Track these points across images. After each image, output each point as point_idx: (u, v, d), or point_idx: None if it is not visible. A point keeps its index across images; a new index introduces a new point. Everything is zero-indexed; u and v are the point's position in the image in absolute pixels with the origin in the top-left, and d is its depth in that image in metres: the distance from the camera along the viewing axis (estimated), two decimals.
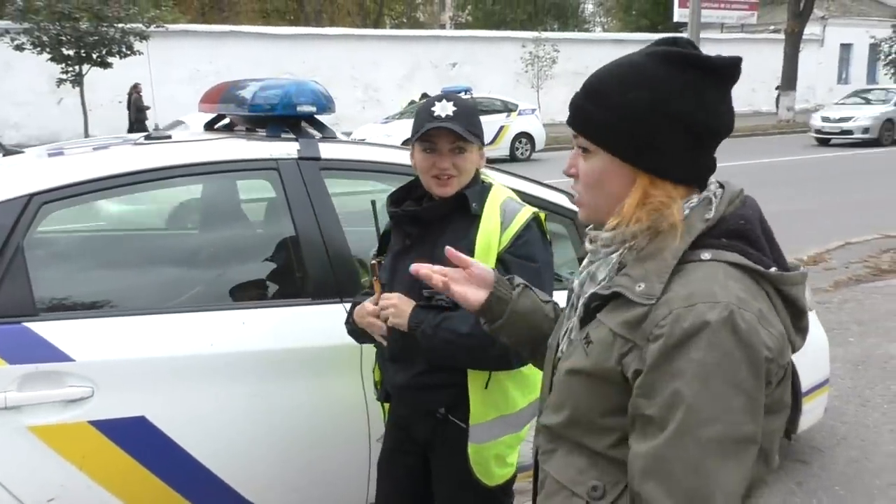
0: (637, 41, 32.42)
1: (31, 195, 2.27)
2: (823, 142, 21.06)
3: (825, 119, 21.19)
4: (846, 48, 37.07)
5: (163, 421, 2.28)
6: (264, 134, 2.75)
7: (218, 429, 2.36)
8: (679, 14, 30.20)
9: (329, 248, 2.52)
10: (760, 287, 1.13)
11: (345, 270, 2.54)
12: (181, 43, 23.56)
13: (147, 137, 2.84)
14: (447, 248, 1.53)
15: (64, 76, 17.75)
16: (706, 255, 1.13)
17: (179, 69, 22.97)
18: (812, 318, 3.34)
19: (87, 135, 17.55)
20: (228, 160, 2.58)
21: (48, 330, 2.19)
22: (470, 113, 1.99)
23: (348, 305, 2.43)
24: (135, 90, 19.18)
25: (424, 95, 21.18)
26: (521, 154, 18.75)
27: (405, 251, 2.04)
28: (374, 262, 2.15)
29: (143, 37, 18.00)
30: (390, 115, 19.56)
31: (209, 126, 3.29)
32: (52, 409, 2.17)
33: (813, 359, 3.37)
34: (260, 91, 2.73)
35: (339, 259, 2.54)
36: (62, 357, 2.18)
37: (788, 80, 26.77)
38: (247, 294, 2.58)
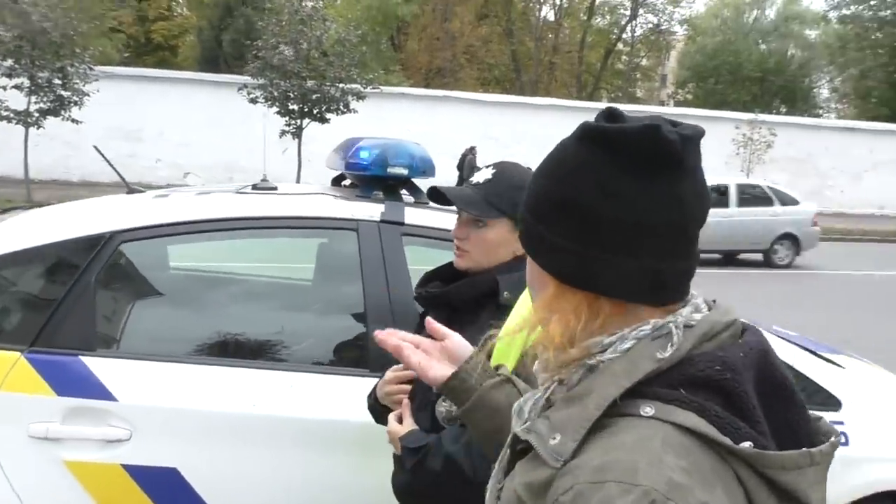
0: (873, 130, 29.92)
1: (113, 233, 2.33)
2: None
3: None
4: None
5: (194, 476, 2.21)
6: (356, 193, 2.68)
7: (250, 493, 2.25)
8: None
9: (397, 317, 2.37)
10: (726, 465, 0.80)
11: None
12: (397, 105, 24.95)
13: (254, 187, 2.87)
14: (427, 318, 1.35)
15: (287, 128, 19.34)
16: (648, 409, 0.83)
17: (391, 129, 24.30)
18: None
19: (298, 181, 18.93)
20: (310, 216, 2.52)
21: (100, 366, 2.21)
22: (509, 184, 1.74)
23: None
24: (471, 152, 19.92)
25: None
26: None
27: (431, 338, 1.83)
28: None
29: (360, 97, 19.23)
30: None
31: (336, 182, 3.30)
32: (90, 447, 2.17)
33: None
34: (360, 149, 2.67)
35: (406, 330, 2.37)
36: (107, 395, 2.18)
37: None
38: (300, 356, 2.48)
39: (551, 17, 44.32)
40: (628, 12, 44.03)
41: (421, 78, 38.62)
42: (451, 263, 1.87)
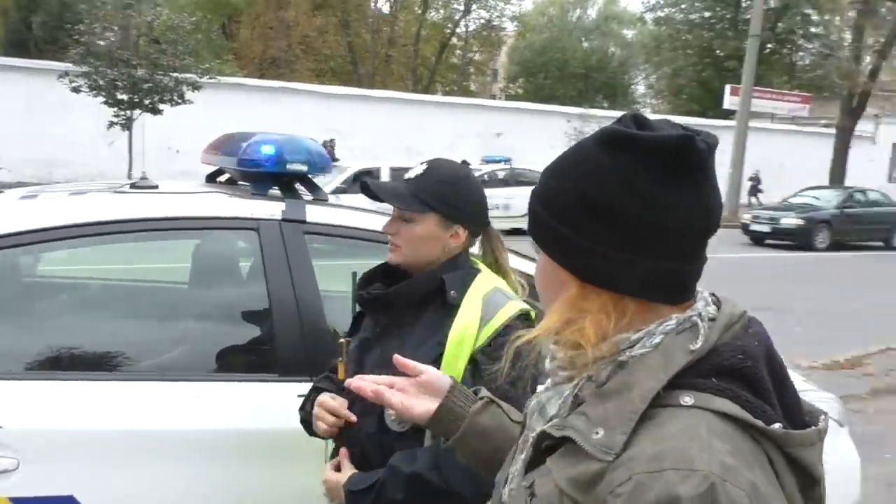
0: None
1: None
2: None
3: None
4: None
5: (95, 501, 2.03)
6: (251, 191, 2.56)
7: None
8: (729, 102, 30.07)
9: (304, 319, 2.29)
10: (759, 447, 0.85)
11: (319, 345, 2.30)
12: (233, 95, 24.08)
13: (132, 186, 2.67)
14: (395, 357, 1.34)
15: (115, 119, 18.15)
16: (687, 399, 0.86)
17: (228, 121, 23.39)
18: (844, 434, 3.00)
19: (129, 177, 17.83)
20: (205, 216, 2.38)
21: None
22: (438, 179, 1.73)
23: None
24: (329, 144, 19.08)
25: (465, 163, 21.25)
26: None
27: (373, 340, 1.79)
28: (342, 340, 1.91)
29: (196, 87, 18.39)
30: None
31: (210, 179, 3.13)
32: None
33: (841, 479, 2.99)
34: (253, 145, 2.54)
35: (314, 332, 2.30)
36: None
37: (836, 176, 26.22)
38: (205, 365, 2.34)
39: (386, 9, 44.48)
40: (462, 7, 45.00)
41: (255, 68, 37.48)
42: (386, 263, 1.84)
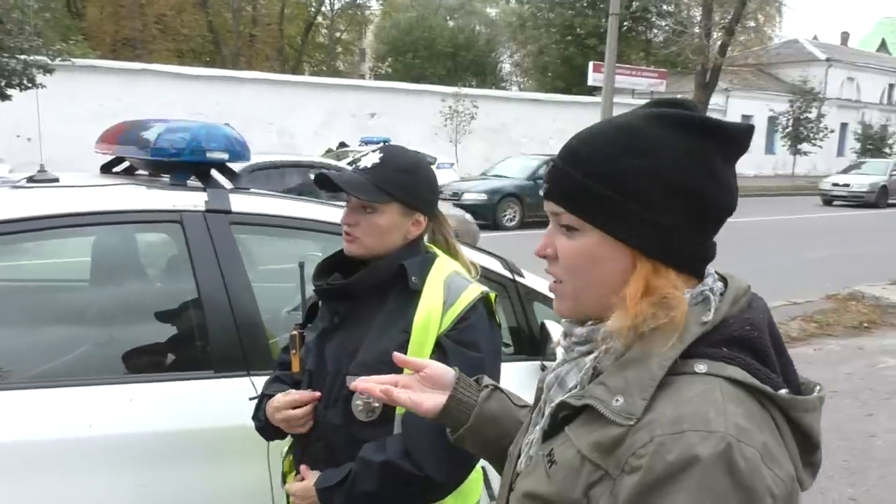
0: (554, 101, 33.40)
1: None
2: None
3: None
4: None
5: None
6: (168, 181, 2.44)
7: None
8: (593, 78, 31.19)
9: (237, 313, 2.21)
10: (766, 412, 0.91)
11: (255, 339, 2.23)
12: (89, 78, 22.68)
13: (30, 179, 2.48)
14: (395, 354, 1.32)
15: None
16: (701, 366, 0.92)
17: (85, 105, 22.06)
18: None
19: None
20: (123, 210, 2.25)
21: None
22: (396, 167, 1.72)
23: (256, 380, 2.14)
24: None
25: (342, 144, 20.99)
26: None
27: (333, 330, 1.76)
28: (295, 332, 1.87)
29: (48, 70, 17.15)
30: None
31: (106, 169, 2.95)
32: None
33: None
34: (165, 133, 2.42)
35: (249, 326, 2.23)
36: None
37: None
38: (137, 365, 2.23)
39: None
40: None
41: (108, 49, 35.30)
42: (341, 251, 1.80)
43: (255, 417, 1.89)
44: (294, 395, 1.75)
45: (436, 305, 1.68)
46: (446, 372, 1.31)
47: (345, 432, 1.68)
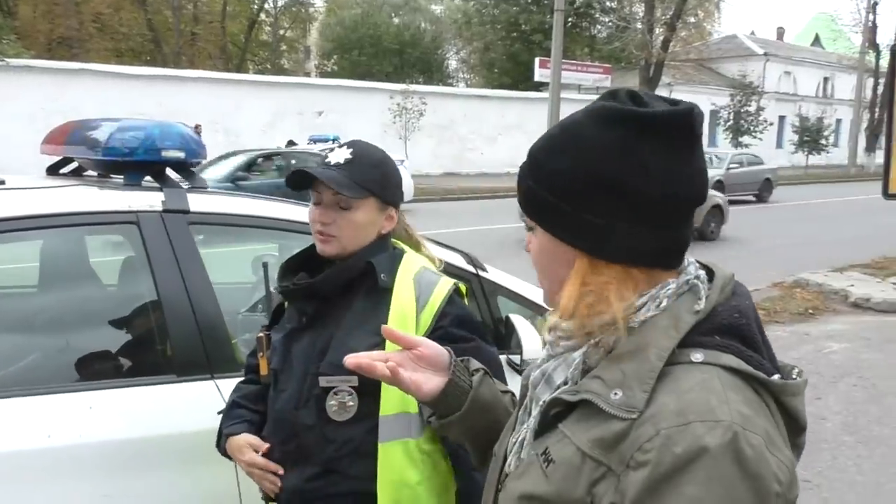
0: (502, 98, 33.54)
1: None
2: None
3: None
4: None
5: None
6: (122, 182, 2.37)
7: None
8: (539, 74, 31.44)
9: (199, 315, 2.16)
10: (760, 398, 0.91)
11: (217, 342, 2.18)
12: (24, 79, 21.96)
13: None
14: (384, 327, 1.25)
15: None
16: (697, 355, 0.91)
17: (20, 106, 21.35)
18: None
19: None
20: (77, 212, 2.17)
21: None
22: (370, 163, 1.70)
23: (221, 383, 2.09)
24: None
25: (290, 143, 20.72)
26: None
27: (301, 330, 1.72)
28: (261, 334, 1.83)
29: None
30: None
31: (52, 170, 2.85)
32: None
33: None
34: (117, 133, 2.34)
35: (211, 328, 2.18)
36: None
37: None
38: (96, 371, 2.16)
39: None
40: None
41: (43, 49, 34.19)
42: (307, 250, 1.77)
43: (218, 445, 1.87)
44: (254, 456, 1.74)
45: (409, 303, 1.66)
46: (441, 352, 1.24)
47: (318, 432, 1.65)
